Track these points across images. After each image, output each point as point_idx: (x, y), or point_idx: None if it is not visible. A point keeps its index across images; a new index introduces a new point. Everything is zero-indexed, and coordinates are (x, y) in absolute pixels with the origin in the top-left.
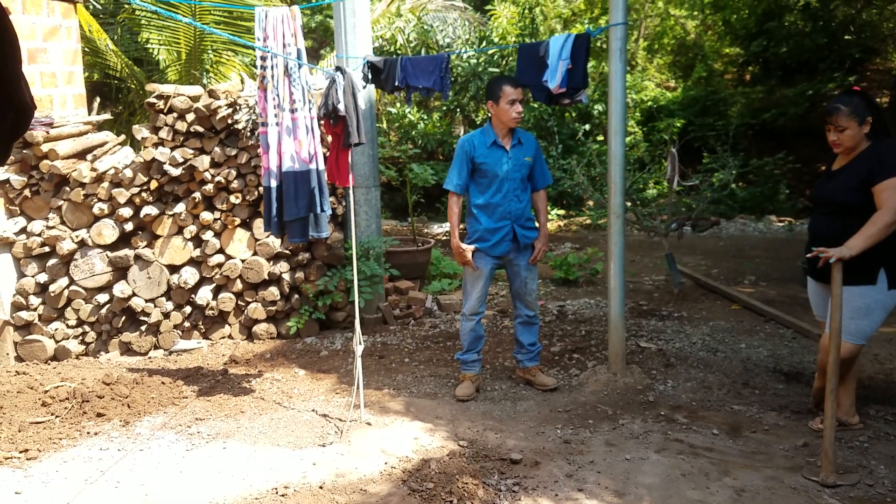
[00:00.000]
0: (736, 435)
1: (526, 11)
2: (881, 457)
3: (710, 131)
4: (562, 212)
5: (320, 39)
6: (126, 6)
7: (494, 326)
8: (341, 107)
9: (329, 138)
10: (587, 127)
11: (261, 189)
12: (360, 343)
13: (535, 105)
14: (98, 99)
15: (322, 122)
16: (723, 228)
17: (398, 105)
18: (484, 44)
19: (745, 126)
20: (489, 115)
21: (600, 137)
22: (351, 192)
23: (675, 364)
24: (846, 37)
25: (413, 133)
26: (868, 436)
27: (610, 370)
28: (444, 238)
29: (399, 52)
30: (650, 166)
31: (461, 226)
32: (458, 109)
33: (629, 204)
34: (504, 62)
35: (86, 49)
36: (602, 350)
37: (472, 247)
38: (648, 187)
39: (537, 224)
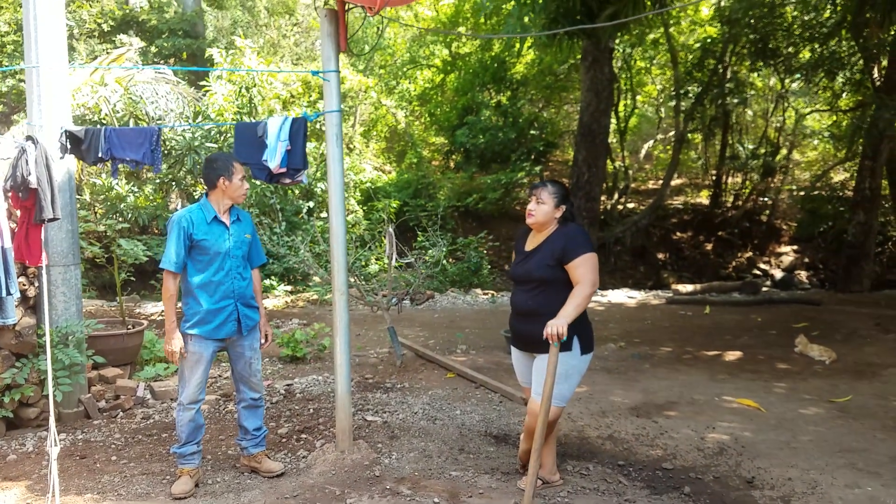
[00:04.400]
0: (455, 501)
1: (243, 90)
2: None
3: (423, 212)
4: (289, 287)
5: (13, 104)
6: None
7: (217, 412)
8: (33, 179)
9: (17, 213)
10: (311, 204)
11: None
12: (56, 444)
13: (258, 182)
14: None
15: (10, 195)
16: (437, 301)
17: (104, 176)
18: (200, 119)
19: (453, 208)
20: (206, 190)
21: (324, 214)
22: (45, 271)
23: (399, 435)
24: (532, 132)
25: (122, 206)
26: (568, 490)
27: (338, 448)
28: (160, 318)
29: (104, 121)
30: (371, 244)
31: (178, 305)
32: (174, 183)
33: (353, 280)
34: (222, 138)
35: None
36: (331, 428)
37: (180, 342)
38: (371, 263)
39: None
